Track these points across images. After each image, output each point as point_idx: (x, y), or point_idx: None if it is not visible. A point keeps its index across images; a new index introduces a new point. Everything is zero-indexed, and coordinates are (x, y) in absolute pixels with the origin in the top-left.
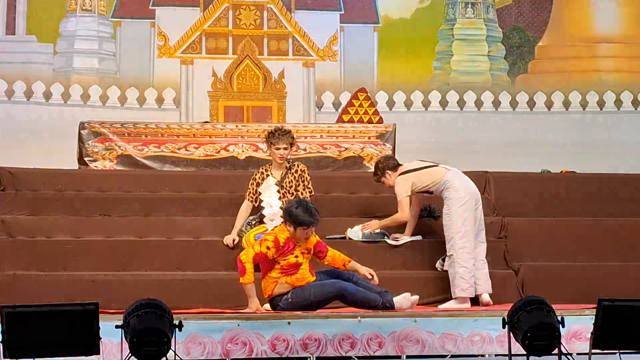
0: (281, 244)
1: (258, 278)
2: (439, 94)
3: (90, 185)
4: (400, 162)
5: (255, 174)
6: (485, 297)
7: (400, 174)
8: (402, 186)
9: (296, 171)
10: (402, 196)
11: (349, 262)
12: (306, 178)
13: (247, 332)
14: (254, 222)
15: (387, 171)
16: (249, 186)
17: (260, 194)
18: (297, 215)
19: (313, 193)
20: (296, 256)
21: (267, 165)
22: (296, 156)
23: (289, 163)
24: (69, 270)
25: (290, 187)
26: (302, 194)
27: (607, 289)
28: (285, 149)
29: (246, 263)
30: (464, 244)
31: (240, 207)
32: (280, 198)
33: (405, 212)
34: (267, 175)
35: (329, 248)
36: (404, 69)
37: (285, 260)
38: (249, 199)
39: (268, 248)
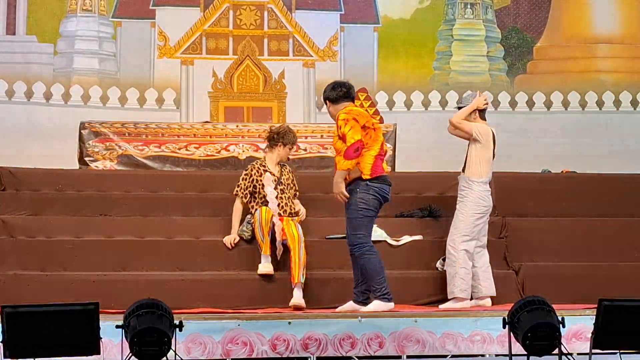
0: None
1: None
2: (438, 94)
3: (90, 185)
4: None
5: (250, 169)
6: (488, 302)
7: (484, 125)
8: (479, 127)
9: (290, 171)
10: (472, 126)
11: None
12: (294, 179)
13: (248, 332)
14: (253, 221)
15: (476, 114)
16: (241, 181)
17: (253, 191)
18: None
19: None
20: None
21: (261, 161)
22: (296, 156)
23: (280, 162)
24: (69, 270)
25: (288, 183)
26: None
27: (608, 289)
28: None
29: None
30: (465, 246)
31: (234, 206)
32: (277, 195)
33: (459, 121)
34: (265, 171)
35: None
36: (404, 69)
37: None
38: (241, 197)
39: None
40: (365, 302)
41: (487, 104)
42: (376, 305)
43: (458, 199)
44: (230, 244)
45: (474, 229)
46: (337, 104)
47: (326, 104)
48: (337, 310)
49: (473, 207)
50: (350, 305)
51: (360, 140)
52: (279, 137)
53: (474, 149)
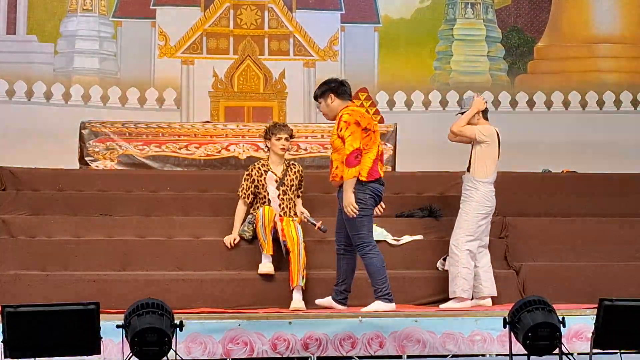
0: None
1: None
2: (439, 94)
3: (91, 185)
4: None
5: (251, 170)
6: (488, 302)
7: (488, 126)
8: (481, 129)
9: (298, 170)
10: (474, 130)
11: None
12: (302, 180)
13: (248, 332)
14: (254, 221)
15: (479, 115)
16: (243, 182)
17: (256, 191)
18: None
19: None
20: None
21: (263, 161)
22: (297, 156)
23: (287, 161)
24: (70, 270)
25: (292, 184)
26: (298, 194)
27: (608, 288)
28: (286, 139)
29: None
30: (469, 246)
31: (237, 207)
32: (279, 195)
33: (460, 128)
34: (266, 171)
35: None
36: (405, 69)
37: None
38: (244, 197)
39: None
40: (342, 302)
41: (486, 103)
42: (377, 305)
43: (462, 198)
44: (230, 243)
45: (477, 229)
46: (342, 99)
47: (325, 98)
48: (316, 302)
49: (477, 207)
50: (327, 300)
51: (359, 148)
52: (267, 134)
53: (479, 149)
